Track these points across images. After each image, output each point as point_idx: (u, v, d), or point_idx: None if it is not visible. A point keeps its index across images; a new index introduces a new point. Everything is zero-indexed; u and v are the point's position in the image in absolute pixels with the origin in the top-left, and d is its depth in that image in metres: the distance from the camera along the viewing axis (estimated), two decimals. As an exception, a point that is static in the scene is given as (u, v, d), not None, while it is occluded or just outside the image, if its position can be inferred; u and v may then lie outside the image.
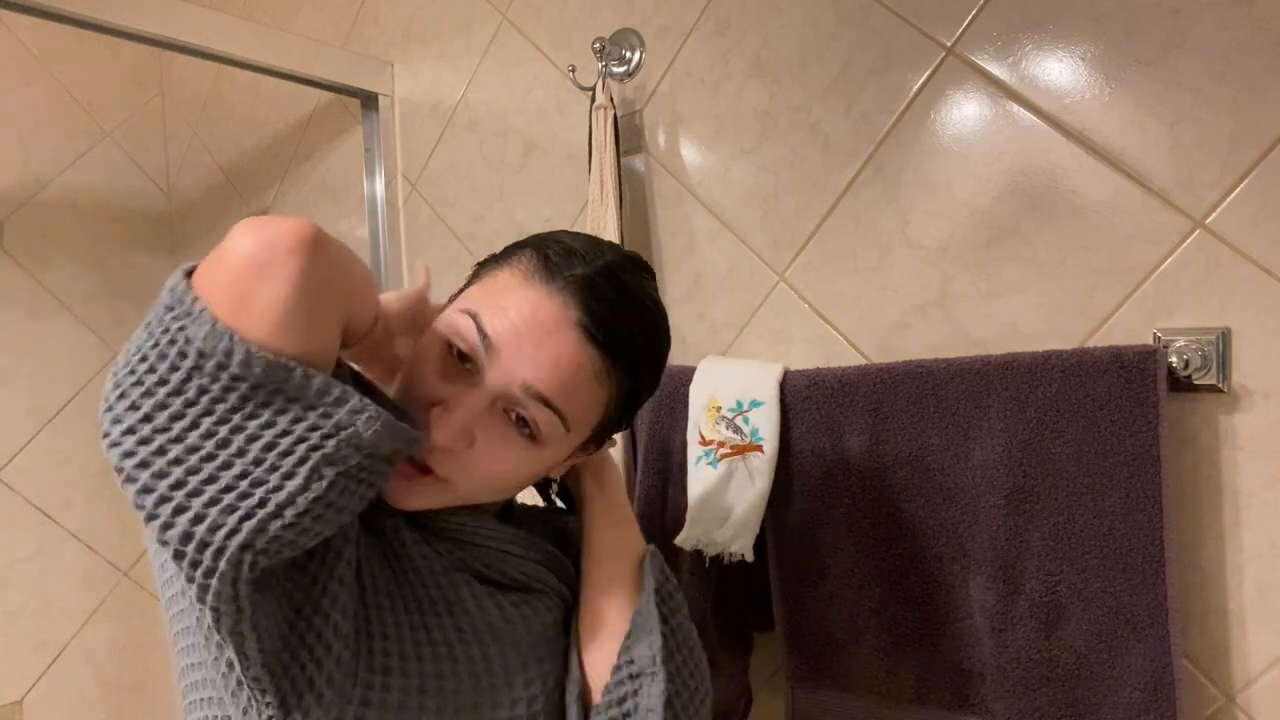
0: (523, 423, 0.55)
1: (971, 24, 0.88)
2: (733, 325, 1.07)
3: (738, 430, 0.91)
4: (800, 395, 0.91)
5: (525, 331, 0.54)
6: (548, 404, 0.54)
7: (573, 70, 1.16)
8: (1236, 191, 0.75)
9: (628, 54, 1.14)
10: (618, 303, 0.57)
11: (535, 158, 1.28)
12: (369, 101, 1.47)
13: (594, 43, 1.12)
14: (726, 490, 0.90)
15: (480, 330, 0.55)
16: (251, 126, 1.77)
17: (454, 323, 0.56)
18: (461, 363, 0.56)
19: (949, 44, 0.89)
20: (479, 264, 0.64)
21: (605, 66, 1.11)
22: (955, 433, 0.82)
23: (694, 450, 0.95)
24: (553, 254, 0.57)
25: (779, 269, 1.03)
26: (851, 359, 0.97)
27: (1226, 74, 0.75)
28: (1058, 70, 0.83)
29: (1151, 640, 0.73)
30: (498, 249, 0.64)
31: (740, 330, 1.06)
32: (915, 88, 0.92)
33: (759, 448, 0.90)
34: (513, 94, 1.31)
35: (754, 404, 0.92)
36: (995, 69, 0.87)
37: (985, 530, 0.81)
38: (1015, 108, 0.85)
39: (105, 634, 1.87)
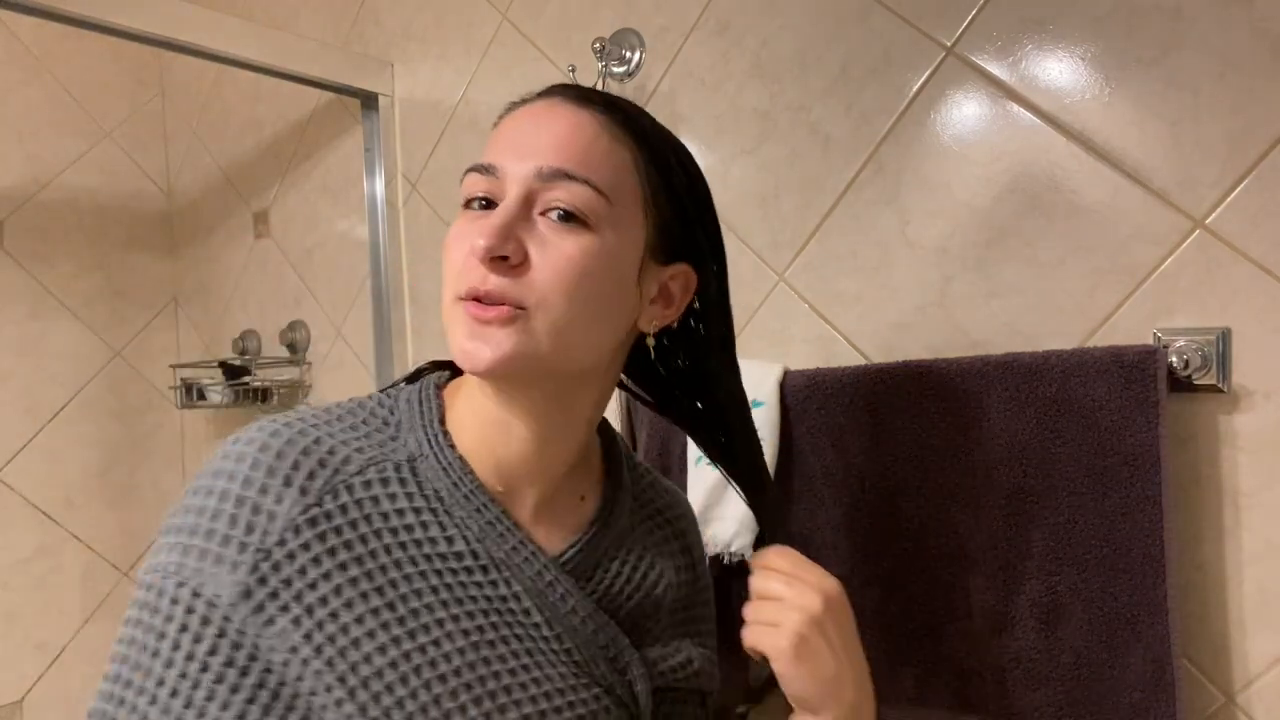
0: (566, 217, 0.52)
1: (971, 24, 0.88)
2: (733, 325, 1.07)
3: (738, 430, 0.91)
4: (800, 395, 0.91)
5: (521, 133, 0.55)
6: (570, 175, 0.52)
7: (573, 70, 1.16)
8: (1236, 191, 0.75)
9: (628, 54, 1.14)
10: (598, 89, 0.59)
11: (535, 158, 1.28)
12: (369, 101, 1.47)
13: (594, 43, 1.12)
14: (726, 490, 0.90)
15: (482, 165, 0.54)
16: (251, 126, 1.77)
17: (463, 191, 0.55)
18: (489, 209, 0.53)
19: (949, 44, 0.89)
20: None
21: (605, 66, 1.11)
22: (955, 433, 0.82)
23: (694, 450, 0.95)
24: None
25: (779, 269, 1.03)
26: (851, 359, 0.97)
27: (1226, 74, 0.75)
28: (1058, 70, 0.83)
29: (1151, 640, 0.73)
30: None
31: (740, 330, 1.06)
32: (915, 88, 0.92)
33: (759, 448, 0.90)
34: (513, 94, 1.30)
35: (754, 404, 0.92)
36: (995, 69, 0.87)
37: (985, 530, 0.81)
38: (1015, 108, 0.85)
39: (105, 634, 1.87)
